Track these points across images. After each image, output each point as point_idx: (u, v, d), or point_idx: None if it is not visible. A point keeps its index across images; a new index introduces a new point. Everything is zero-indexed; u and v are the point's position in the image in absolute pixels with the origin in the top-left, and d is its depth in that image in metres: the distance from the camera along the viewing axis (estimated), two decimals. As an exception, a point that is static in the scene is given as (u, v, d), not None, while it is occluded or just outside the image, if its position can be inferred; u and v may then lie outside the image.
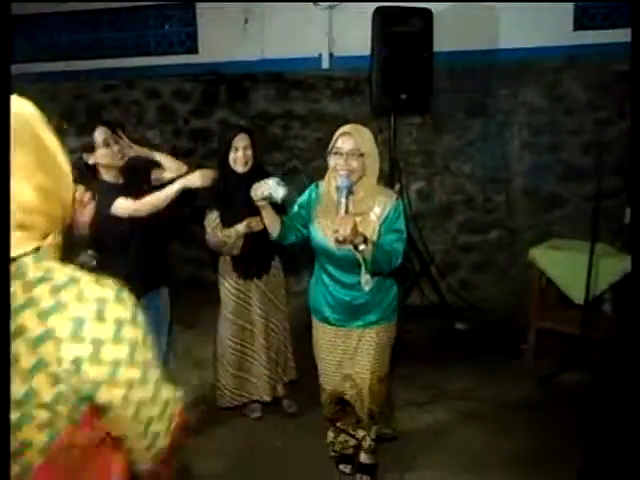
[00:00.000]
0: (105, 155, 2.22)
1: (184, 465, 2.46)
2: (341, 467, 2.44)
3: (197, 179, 2.22)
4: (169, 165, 2.49)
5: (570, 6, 3.85)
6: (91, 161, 2.22)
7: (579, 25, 3.87)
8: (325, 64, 4.35)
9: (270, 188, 1.95)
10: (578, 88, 3.95)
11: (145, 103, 4.90)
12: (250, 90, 4.62)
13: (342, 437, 2.42)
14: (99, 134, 2.22)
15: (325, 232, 2.06)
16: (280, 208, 2.13)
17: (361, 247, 1.84)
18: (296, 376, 2.93)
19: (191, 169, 2.41)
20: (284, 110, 4.57)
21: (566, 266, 3.18)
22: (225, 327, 2.76)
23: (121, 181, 2.32)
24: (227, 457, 2.54)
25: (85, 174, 2.21)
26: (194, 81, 4.75)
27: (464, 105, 4.18)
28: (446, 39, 3.80)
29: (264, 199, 1.96)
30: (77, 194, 1.21)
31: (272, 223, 2.06)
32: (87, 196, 1.27)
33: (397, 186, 3.97)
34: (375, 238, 1.97)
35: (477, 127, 4.19)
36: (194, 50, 4.68)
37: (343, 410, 2.35)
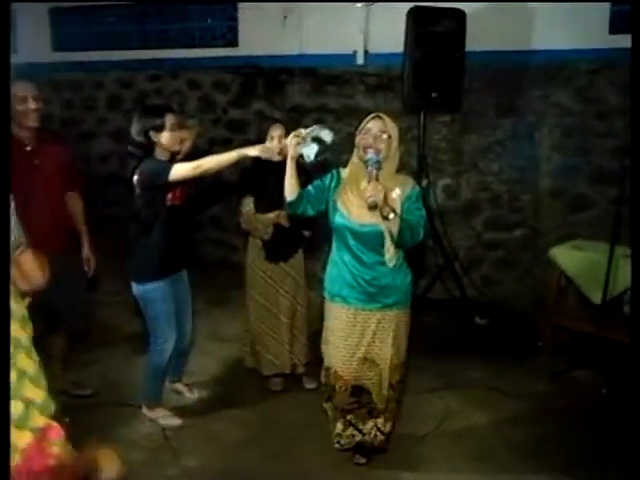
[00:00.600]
0: (168, 138, 2.43)
1: (209, 429, 2.68)
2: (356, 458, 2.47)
3: (255, 150, 2.32)
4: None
5: (606, 9, 3.87)
6: (155, 139, 2.43)
7: (615, 29, 3.88)
8: (360, 60, 4.48)
9: (315, 131, 2.11)
10: (611, 91, 3.97)
11: (187, 93, 5.13)
12: (286, 84, 4.79)
13: (350, 431, 2.39)
14: (169, 119, 2.42)
15: (349, 209, 2.17)
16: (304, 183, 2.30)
17: (391, 216, 1.98)
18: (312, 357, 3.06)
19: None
20: (318, 104, 4.72)
21: (586, 266, 3.24)
22: (251, 307, 2.96)
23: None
24: (247, 426, 2.73)
25: (143, 149, 2.43)
26: (233, 73, 4.94)
27: (495, 104, 4.24)
28: (479, 39, 3.87)
29: (307, 142, 2.14)
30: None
31: (292, 185, 2.21)
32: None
33: (424, 182, 4.09)
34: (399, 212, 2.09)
35: (507, 127, 4.25)
36: (234, 44, 4.88)
37: (358, 402, 2.34)
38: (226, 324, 3.66)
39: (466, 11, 3.77)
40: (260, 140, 2.73)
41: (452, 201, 4.48)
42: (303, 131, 2.20)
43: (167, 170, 2.31)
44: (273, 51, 4.69)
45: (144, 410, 2.74)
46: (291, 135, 2.22)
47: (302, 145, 2.19)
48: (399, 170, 2.25)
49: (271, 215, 2.79)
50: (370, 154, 2.07)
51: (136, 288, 2.55)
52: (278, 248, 2.89)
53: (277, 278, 2.92)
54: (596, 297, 3.17)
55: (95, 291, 3.40)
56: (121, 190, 4.79)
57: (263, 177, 2.76)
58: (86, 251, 2.80)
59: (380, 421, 2.36)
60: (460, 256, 4.47)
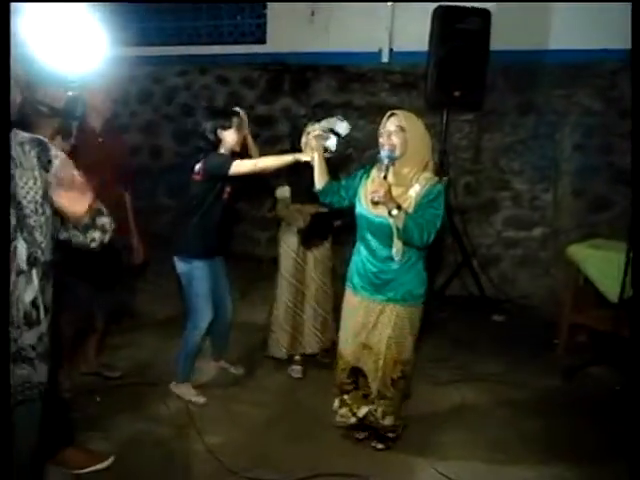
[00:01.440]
0: (232, 137, 2.70)
1: (232, 410, 2.80)
2: (355, 434, 2.57)
3: (305, 157, 2.51)
4: (254, 154, 2.89)
5: (629, 9, 3.86)
6: (221, 136, 2.69)
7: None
8: (385, 58, 4.56)
9: (332, 123, 2.21)
10: (635, 92, 3.97)
11: (215, 88, 5.27)
12: (312, 80, 4.89)
13: (345, 411, 2.49)
14: (236, 120, 2.71)
15: (367, 201, 2.26)
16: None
17: (394, 212, 2.05)
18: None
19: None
20: (344, 101, 4.81)
21: (603, 265, 3.27)
22: (283, 287, 3.13)
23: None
24: (269, 409, 2.85)
25: (211, 144, 2.71)
26: (261, 70, 5.06)
27: (517, 103, 4.28)
28: (503, 38, 3.92)
29: (326, 134, 2.25)
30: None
31: (321, 174, 2.40)
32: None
33: (445, 179, 4.15)
34: (410, 211, 2.14)
35: (529, 126, 4.29)
36: (262, 40, 5.00)
37: (355, 382, 2.45)
38: (248, 314, 3.79)
39: (491, 10, 3.81)
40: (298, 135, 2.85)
41: (472, 199, 4.54)
42: (317, 126, 2.30)
43: (230, 164, 2.56)
44: (300, 48, 4.80)
45: (172, 385, 2.91)
46: (308, 131, 2.32)
47: (322, 137, 2.30)
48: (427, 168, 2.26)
49: (308, 206, 2.96)
50: (382, 152, 2.15)
51: (182, 266, 2.78)
52: (311, 236, 3.08)
53: (308, 262, 3.11)
54: (613, 295, 3.20)
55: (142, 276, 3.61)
56: (148, 184, 5.02)
57: (301, 168, 2.89)
58: (135, 242, 3.02)
59: (380, 410, 2.39)
60: (479, 253, 4.53)
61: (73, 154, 1.93)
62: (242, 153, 2.79)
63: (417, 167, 2.22)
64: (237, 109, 2.78)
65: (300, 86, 4.95)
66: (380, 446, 2.52)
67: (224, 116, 2.74)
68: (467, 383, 3.16)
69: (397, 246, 2.20)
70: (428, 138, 2.25)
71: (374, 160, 2.38)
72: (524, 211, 4.43)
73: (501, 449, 2.58)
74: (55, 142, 1.85)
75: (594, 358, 3.28)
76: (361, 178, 2.38)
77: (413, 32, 4.22)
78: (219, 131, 2.69)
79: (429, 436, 2.65)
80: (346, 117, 4.73)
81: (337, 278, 3.00)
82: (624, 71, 3.97)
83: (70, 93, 1.80)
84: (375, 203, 2.12)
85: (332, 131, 2.29)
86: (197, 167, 2.68)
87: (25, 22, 1.55)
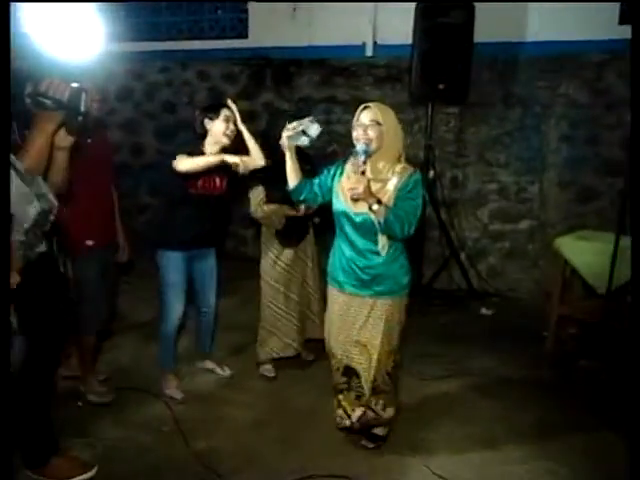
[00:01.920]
0: (218, 127, 2.65)
1: (218, 413, 2.75)
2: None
3: (233, 160, 2.51)
4: (253, 151, 2.75)
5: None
6: (208, 127, 2.65)
7: (625, 19, 3.87)
8: (369, 52, 4.50)
9: (304, 125, 2.18)
10: (620, 83, 3.97)
11: (196, 84, 5.18)
12: (295, 75, 4.83)
13: (340, 412, 2.47)
14: (224, 111, 2.65)
15: (346, 198, 2.23)
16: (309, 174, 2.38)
17: (374, 207, 2.03)
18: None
19: (267, 162, 2.74)
20: (327, 95, 4.76)
21: (590, 256, 3.26)
22: (265, 290, 3.07)
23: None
24: (256, 410, 2.79)
25: (197, 134, 2.69)
26: (243, 64, 4.98)
27: (502, 95, 4.26)
28: (487, 30, 3.89)
29: (297, 134, 2.21)
30: None
31: (293, 173, 2.34)
32: None
33: (431, 172, 4.12)
34: (390, 204, 2.12)
35: (514, 118, 4.27)
36: (244, 35, 4.92)
37: (348, 383, 2.41)
38: (234, 314, 3.73)
39: (475, 3, 3.78)
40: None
41: (459, 192, 4.51)
42: (290, 126, 2.27)
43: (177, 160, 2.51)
44: (282, 42, 4.73)
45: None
46: (285, 129, 2.28)
47: (294, 138, 2.28)
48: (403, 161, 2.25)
49: (284, 207, 2.89)
50: (358, 146, 2.13)
51: (157, 257, 2.76)
52: (290, 234, 3.01)
53: (288, 261, 3.03)
54: (600, 286, 3.19)
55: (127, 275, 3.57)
56: (130, 182, 4.93)
57: (273, 168, 2.81)
58: (122, 240, 2.92)
59: (380, 403, 2.39)
60: (466, 247, 4.51)
61: (73, 151, 1.88)
62: (240, 148, 2.71)
63: (392, 160, 2.21)
64: (228, 101, 2.70)
65: (283, 81, 4.89)
66: (371, 445, 2.49)
67: (211, 107, 2.71)
68: (456, 378, 3.13)
69: (382, 241, 2.18)
70: (400, 130, 2.23)
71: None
72: (511, 204, 4.41)
73: (492, 444, 2.56)
74: (59, 135, 1.79)
75: (581, 351, 3.27)
76: (334, 174, 2.34)
77: (397, 25, 4.18)
78: (206, 121, 2.65)
79: (419, 433, 2.61)
80: (330, 111, 4.77)
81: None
82: (610, 62, 3.97)
83: (74, 85, 1.72)
84: (355, 200, 2.10)
85: (304, 132, 2.26)
86: None
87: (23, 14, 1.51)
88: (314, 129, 2.24)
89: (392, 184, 2.16)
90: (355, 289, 2.30)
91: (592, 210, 4.17)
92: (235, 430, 2.62)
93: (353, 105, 4.60)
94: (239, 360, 3.27)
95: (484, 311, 4.14)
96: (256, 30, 4.87)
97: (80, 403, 2.75)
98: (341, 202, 2.26)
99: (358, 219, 2.20)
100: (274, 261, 3.02)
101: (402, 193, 2.15)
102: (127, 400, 2.80)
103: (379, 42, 4.46)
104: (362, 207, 2.14)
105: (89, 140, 2.60)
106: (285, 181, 2.43)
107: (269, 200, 2.92)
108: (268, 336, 3.09)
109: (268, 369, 3.14)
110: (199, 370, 3.15)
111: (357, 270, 2.27)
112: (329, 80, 4.73)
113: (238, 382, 3.07)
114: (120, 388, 2.89)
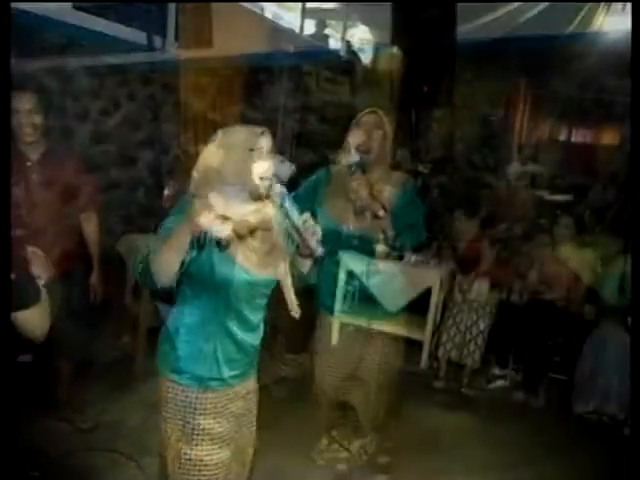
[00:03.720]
0: None
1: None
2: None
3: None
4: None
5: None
6: None
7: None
8: (344, 55, 4.32)
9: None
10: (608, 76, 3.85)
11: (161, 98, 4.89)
12: (266, 84, 4.58)
13: (335, 447, 2.30)
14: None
15: (337, 211, 2.02)
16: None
17: (380, 212, 1.88)
18: None
19: None
20: (301, 103, 4.53)
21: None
22: None
23: None
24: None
25: None
26: (210, 75, 4.72)
27: (487, 96, 4.12)
28: (471, 27, 3.72)
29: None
30: None
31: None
32: None
33: (419, 179, 3.95)
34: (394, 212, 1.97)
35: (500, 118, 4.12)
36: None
37: (343, 416, 2.26)
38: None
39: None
40: None
41: (447, 197, 4.33)
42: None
43: None
44: (250, 49, 4.48)
45: None
46: None
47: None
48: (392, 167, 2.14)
49: None
50: (352, 157, 1.94)
51: None
52: None
53: None
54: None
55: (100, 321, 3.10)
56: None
57: None
58: (94, 278, 2.55)
59: (367, 441, 2.24)
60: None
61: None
62: None
63: (386, 170, 2.07)
64: None
65: (253, 90, 4.63)
66: (343, 467, 2.28)
67: None
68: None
69: (380, 248, 1.97)
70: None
71: (329, 163, 2.20)
72: (502, 207, 4.25)
73: (465, 455, 2.44)
74: None
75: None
76: (317, 186, 2.10)
77: (373, 26, 4.00)
78: None
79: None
80: (305, 119, 4.53)
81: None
82: (592, 54, 3.85)
83: None
84: (359, 212, 1.94)
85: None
86: None
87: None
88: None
89: (388, 192, 2.00)
90: (351, 314, 2.06)
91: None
92: None
93: (328, 112, 4.50)
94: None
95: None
96: (221, 38, 4.62)
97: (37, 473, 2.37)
98: (330, 214, 2.00)
99: (355, 235, 2.00)
100: None
101: (403, 203, 2.00)
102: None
103: (355, 45, 4.30)
104: (360, 222, 1.97)
105: (28, 163, 2.29)
106: None
107: None
108: None
109: None
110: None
111: (353, 291, 2.03)
112: (302, 87, 4.51)
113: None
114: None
